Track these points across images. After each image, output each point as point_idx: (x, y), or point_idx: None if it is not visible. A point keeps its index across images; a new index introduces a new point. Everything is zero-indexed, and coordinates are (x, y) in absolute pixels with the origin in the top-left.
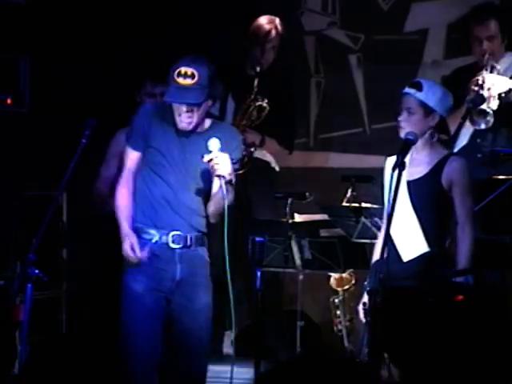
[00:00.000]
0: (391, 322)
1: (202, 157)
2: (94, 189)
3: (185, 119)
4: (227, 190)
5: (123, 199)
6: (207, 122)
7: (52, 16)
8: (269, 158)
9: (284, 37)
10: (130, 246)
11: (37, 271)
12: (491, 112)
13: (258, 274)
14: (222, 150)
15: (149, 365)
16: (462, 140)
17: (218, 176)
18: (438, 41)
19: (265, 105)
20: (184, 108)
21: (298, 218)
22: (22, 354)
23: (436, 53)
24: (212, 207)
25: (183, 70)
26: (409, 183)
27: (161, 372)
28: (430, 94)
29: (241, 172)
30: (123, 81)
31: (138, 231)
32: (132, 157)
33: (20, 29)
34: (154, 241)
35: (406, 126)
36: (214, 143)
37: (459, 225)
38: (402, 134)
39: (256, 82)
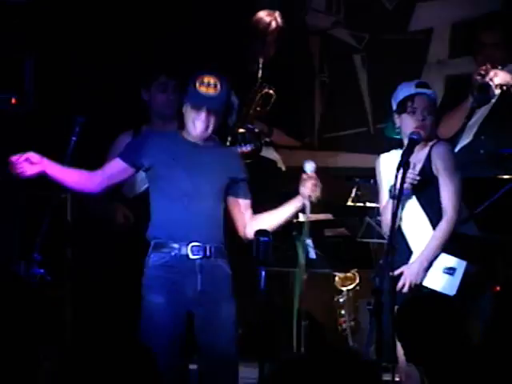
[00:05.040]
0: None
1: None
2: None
3: (201, 124)
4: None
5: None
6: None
7: (56, 15)
8: (275, 157)
9: (284, 29)
10: None
11: (41, 271)
12: (493, 86)
13: (263, 273)
14: (231, 170)
15: (172, 371)
16: (466, 138)
17: (307, 197)
18: (443, 40)
19: (271, 92)
20: (204, 114)
21: (302, 217)
22: None
23: (441, 52)
24: (275, 225)
25: (206, 78)
26: None
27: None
28: (435, 93)
29: (248, 161)
30: (128, 80)
31: (157, 247)
32: (115, 164)
33: (25, 28)
34: (173, 253)
35: (429, 126)
36: (310, 165)
37: (443, 210)
38: (424, 135)
39: (260, 73)
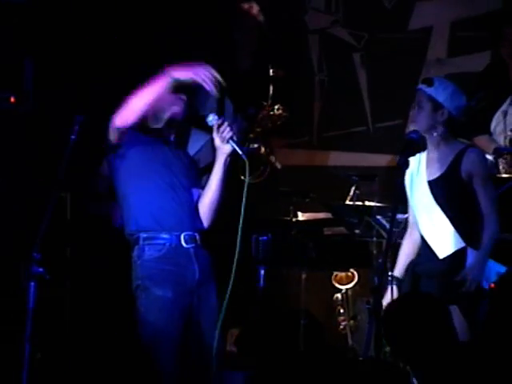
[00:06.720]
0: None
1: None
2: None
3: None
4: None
5: None
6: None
7: (56, 15)
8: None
9: (263, 16)
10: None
11: (41, 269)
12: None
13: (262, 272)
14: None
15: (177, 364)
16: None
17: (229, 139)
18: (442, 39)
19: (285, 114)
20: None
21: (301, 216)
22: (26, 352)
23: (440, 51)
24: (210, 195)
25: None
26: (430, 183)
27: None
28: (440, 90)
29: (257, 181)
30: (127, 80)
31: (150, 238)
32: None
33: (24, 28)
34: (168, 244)
35: (415, 120)
36: (213, 117)
37: (484, 215)
38: (411, 129)
39: (272, 89)
